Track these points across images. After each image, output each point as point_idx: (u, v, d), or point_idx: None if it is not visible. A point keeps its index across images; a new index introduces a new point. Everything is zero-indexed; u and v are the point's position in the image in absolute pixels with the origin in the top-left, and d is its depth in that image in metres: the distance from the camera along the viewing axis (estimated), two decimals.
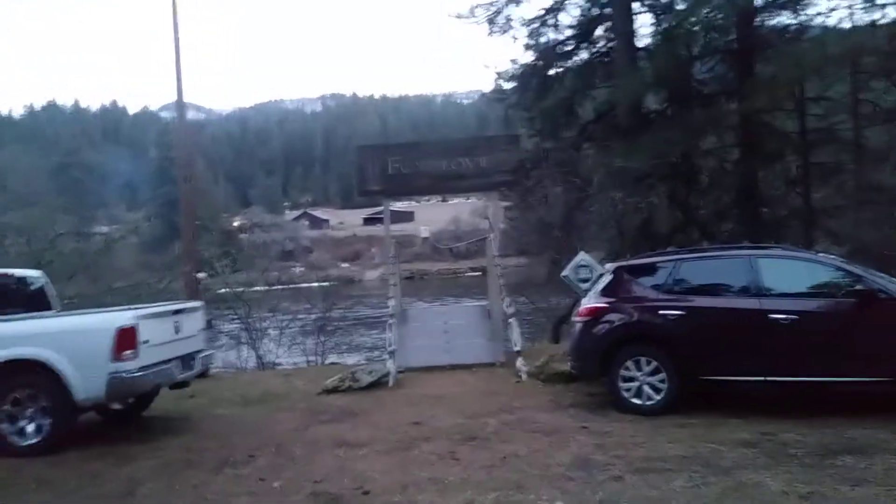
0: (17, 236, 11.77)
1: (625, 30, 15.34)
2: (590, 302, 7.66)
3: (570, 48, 17.17)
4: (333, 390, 9.10)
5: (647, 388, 7.12)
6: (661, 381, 7.06)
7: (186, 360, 7.66)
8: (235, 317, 13.77)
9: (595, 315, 7.50)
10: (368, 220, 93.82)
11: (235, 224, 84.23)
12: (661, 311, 7.13)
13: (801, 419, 6.37)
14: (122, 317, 6.81)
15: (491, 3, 16.82)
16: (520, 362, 9.52)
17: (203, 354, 8.03)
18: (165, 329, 7.28)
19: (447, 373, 10.12)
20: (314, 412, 8.12)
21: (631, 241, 14.21)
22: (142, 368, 6.77)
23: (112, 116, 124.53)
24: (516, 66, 17.26)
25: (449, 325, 11.54)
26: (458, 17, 17.18)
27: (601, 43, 17.01)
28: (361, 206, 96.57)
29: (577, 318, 7.74)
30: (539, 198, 16.68)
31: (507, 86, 17.38)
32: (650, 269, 7.62)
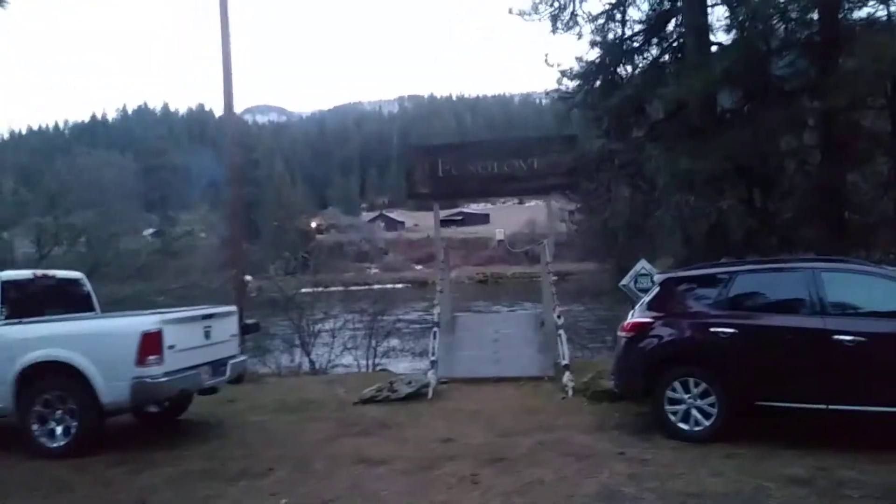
0: (79, 237, 12.06)
1: (697, 23, 14.50)
2: (634, 316, 7.11)
3: (638, 44, 16.48)
4: (370, 400, 8.84)
5: (695, 413, 6.51)
6: (711, 406, 6.44)
7: (217, 365, 7.56)
8: (287, 320, 13.73)
9: (640, 330, 6.93)
10: (444, 223, 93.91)
11: (312, 225, 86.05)
12: (712, 329, 6.51)
13: (865, 454, 5.64)
14: (147, 321, 6.75)
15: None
16: (566, 377, 9.00)
17: (235, 360, 7.90)
18: (194, 334, 7.19)
19: (492, 385, 9.69)
20: (346, 423, 7.88)
21: (699, 249, 13.42)
22: (167, 374, 6.70)
23: (198, 118, 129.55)
24: (582, 64, 16.65)
25: (499, 334, 11.10)
26: (521, 14, 16.69)
27: (672, 38, 16.26)
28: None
29: (621, 334, 7.19)
30: (604, 201, 16.02)
31: (572, 84, 16.76)
32: (701, 282, 6.99)
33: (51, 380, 6.77)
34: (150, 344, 6.58)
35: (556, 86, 16.71)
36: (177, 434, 7.69)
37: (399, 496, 5.32)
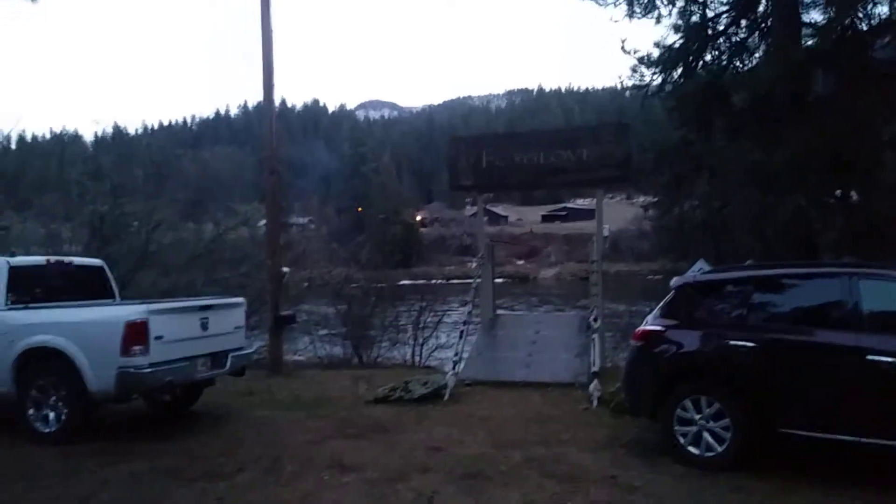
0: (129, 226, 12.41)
1: (786, 1, 13.16)
2: (647, 324, 6.33)
3: (723, 27, 15.21)
4: (383, 400, 8.47)
5: (706, 436, 5.70)
6: (725, 429, 5.61)
7: (216, 358, 7.42)
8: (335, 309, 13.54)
9: (651, 340, 6.17)
10: (547, 218, 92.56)
11: (417, 218, 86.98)
12: (729, 342, 5.67)
13: None
14: (133, 311, 6.68)
15: None
16: (593, 386, 8.26)
17: (238, 353, 7.74)
18: (187, 325, 7.07)
19: (517, 390, 9.07)
20: (346, 423, 7.54)
21: (779, 250, 12.16)
22: (153, 364, 6.59)
23: (312, 113, 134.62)
24: (661, 50, 15.53)
25: (538, 335, 10.43)
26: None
27: (761, 19, 14.88)
28: (542, 202, 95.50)
29: (632, 342, 6.45)
30: (677, 196, 14.89)
31: (649, 72, 15.66)
32: (721, 288, 6.14)
33: (45, 366, 6.82)
34: (135, 334, 6.51)
35: (631, 73, 15.74)
36: (173, 426, 7.62)
37: None
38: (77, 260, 8.39)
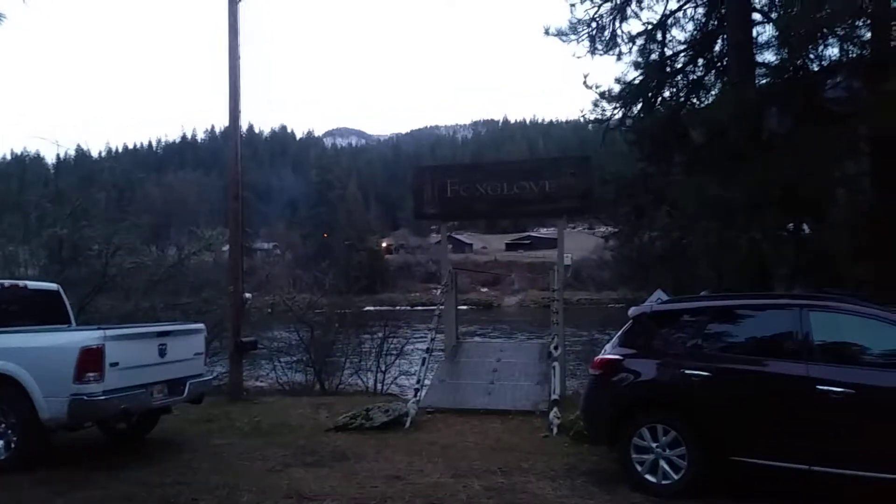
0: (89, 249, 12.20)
1: (740, 41, 13.67)
2: (605, 352, 6.44)
3: (681, 64, 15.73)
4: (344, 427, 8.42)
5: (663, 464, 5.79)
6: (681, 457, 5.70)
7: (174, 385, 7.31)
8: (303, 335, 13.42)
9: (608, 368, 6.26)
10: (511, 246, 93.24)
11: (383, 245, 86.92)
12: (684, 371, 5.79)
13: None
14: (88, 336, 6.55)
15: (593, 20, 15.71)
16: (553, 414, 8.33)
17: (197, 380, 7.64)
18: (145, 351, 6.97)
19: (478, 418, 9.08)
20: (306, 451, 7.48)
21: (735, 282, 12.47)
22: (107, 392, 6.47)
23: (280, 140, 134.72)
24: (622, 86, 15.96)
25: (500, 363, 10.50)
26: (559, 34, 16.16)
27: (717, 58, 15.42)
28: (506, 231, 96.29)
29: (591, 371, 6.54)
30: (636, 227, 15.21)
31: (609, 107, 16.06)
32: (678, 318, 6.29)
33: None
34: (90, 360, 6.39)
35: (592, 108, 16.11)
36: (129, 454, 7.46)
37: None
38: (32, 284, 8.22)
